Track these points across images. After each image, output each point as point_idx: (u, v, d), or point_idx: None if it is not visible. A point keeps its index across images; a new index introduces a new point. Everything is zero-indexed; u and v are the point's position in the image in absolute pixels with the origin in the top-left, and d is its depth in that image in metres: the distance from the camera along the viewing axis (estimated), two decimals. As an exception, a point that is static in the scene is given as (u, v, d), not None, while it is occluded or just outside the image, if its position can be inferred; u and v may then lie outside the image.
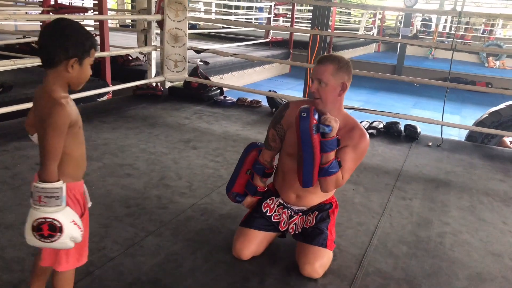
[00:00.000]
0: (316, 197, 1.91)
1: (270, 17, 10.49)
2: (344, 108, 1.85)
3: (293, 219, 1.93)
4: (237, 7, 14.09)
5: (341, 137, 1.72)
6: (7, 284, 1.62)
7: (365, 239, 2.16)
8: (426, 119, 4.09)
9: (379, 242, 2.15)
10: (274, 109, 4.45)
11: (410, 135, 3.98)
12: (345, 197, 2.60)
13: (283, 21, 12.05)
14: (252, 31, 11.08)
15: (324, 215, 1.91)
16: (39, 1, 6.57)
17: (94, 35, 1.32)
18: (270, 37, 9.95)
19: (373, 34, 14.15)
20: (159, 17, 4.50)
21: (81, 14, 6.62)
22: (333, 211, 1.95)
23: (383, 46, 16.48)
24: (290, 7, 11.13)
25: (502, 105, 4.62)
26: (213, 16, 12.21)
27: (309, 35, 7.25)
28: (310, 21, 7.53)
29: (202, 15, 11.59)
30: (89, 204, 1.37)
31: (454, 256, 2.09)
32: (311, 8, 8.64)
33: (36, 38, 6.13)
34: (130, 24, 12.07)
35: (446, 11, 12.82)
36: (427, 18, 16.25)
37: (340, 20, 15.88)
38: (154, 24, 4.82)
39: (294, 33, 10.30)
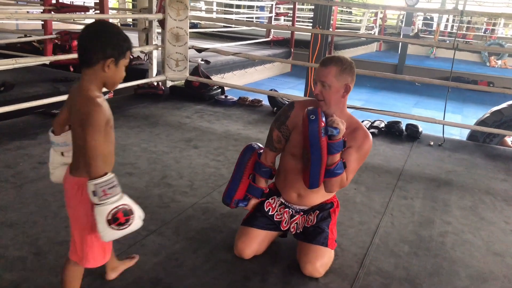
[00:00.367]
0: (317, 196, 1.91)
1: (271, 16, 10.50)
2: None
3: (294, 218, 1.93)
4: (238, 6, 14.07)
5: (345, 138, 1.72)
6: (9, 283, 1.62)
7: (366, 238, 2.16)
8: (428, 118, 4.08)
9: (381, 241, 2.15)
10: (275, 108, 4.44)
11: (412, 135, 3.97)
12: (346, 197, 2.60)
13: (284, 20, 12.03)
14: (253, 30, 11.07)
15: (325, 214, 1.91)
16: (41, 0, 6.57)
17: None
18: (271, 36, 9.94)
19: (375, 33, 14.11)
20: (160, 16, 4.49)
21: (82, 13, 6.63)
22: (334, 210, 1.95)
23: (384, 45, 16.44)
24: (292, 6, 11.13)
25: (504, 105, 4.62)
26: (214, 15, 12.19)
27: (310, 34, 7.24)
28: (312, 20, 7.53)
29: (203, 14, 11.60)
30: None
31: (455, 256, 2.08)
32: (313, 7, 8.63)
33: (37, 37, 6.15)
34: (131, 23, 12.04)
35: (448, 10, 12.80)
36: (429, 17, 16.22)
37: (341, 19, 15.83)
38: (155, 23, 4.82)
39: (295, 32, 10.28)
